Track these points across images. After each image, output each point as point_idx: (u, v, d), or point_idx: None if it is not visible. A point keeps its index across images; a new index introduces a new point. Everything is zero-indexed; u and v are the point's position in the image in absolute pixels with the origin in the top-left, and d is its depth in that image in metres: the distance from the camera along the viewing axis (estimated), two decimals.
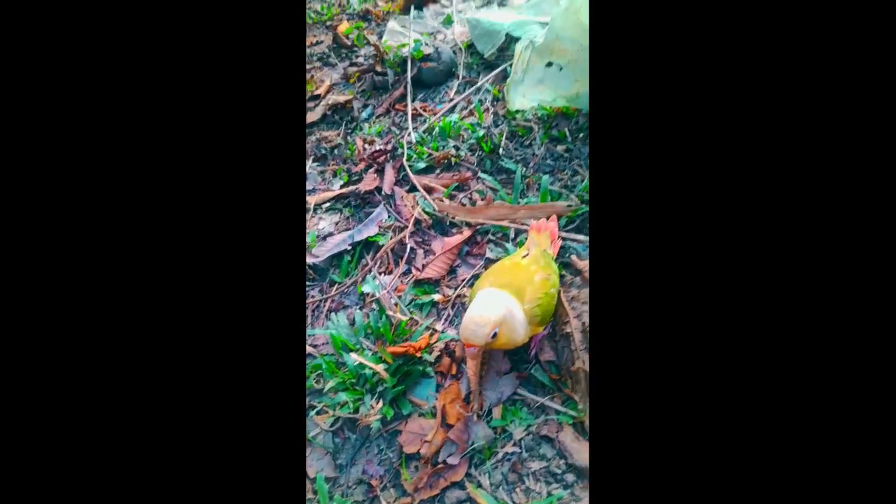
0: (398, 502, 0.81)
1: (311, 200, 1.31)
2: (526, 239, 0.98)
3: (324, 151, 1.46)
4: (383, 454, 0.88)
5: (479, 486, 0.80)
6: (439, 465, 0.82)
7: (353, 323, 1.04)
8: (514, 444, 0.83)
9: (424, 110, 1.43)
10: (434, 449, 0.84)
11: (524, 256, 0.88)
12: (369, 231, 1.17)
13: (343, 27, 1.88)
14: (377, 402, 0.89)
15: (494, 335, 0.74)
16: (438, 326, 0.98)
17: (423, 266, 1.08)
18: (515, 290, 0.79)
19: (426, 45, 1.56)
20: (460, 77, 1.49)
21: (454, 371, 0.92)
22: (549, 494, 0.77)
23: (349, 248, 1.16)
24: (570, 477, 0.78)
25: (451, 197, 1.19)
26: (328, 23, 1.99)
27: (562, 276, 0.94)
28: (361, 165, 1.33)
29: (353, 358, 0.93)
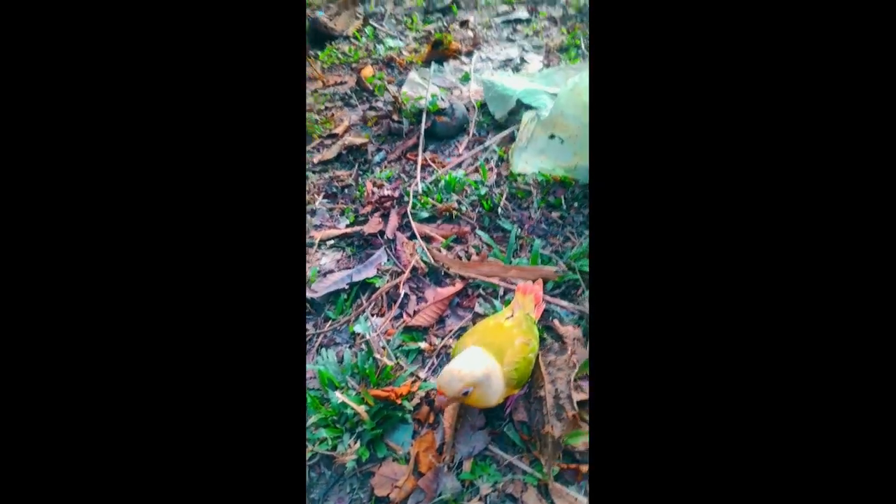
0: None
1: (317, 236, 1.38)
2: (513, 298, 1.03)
3: (335, 190, 1.53)
4: (354, 493, 0.92)
5: None
6: None
7: (341, 361, 1.08)
8: (480, 500, 0.86)
9: (434, 161, 1.51)
10: (403, 495, 0.88)
11: (508, 318, 0.94)
12: (368, 273, 1.23)
13: (367, 72, 1.99)
14: (355, 442, 0.93)
15: (466, 393, 0.79)
16: (422, 374, 1.03)
17: (415, 313, 1.13)
18: (497, 350, 0.84)
19: (442, 99, 1.66)
20: (470, 134, 1.58)
21: (431, 420, 0.97)
22: None
23: (346, 287, 1.22)
24: None
25: (449, 248, 1.25)
26: (354, 65, 2.11)
27: (542, 340, 1.00)
28: (368, 208, 1.40)
29: (338, 396, 0.97)
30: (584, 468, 0.85)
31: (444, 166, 1.48)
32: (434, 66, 1.91)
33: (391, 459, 0.93)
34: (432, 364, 1.05)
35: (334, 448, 0.93)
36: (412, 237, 1.30)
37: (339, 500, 0.91)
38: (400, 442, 0.95)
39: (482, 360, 0.82)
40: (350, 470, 0.93)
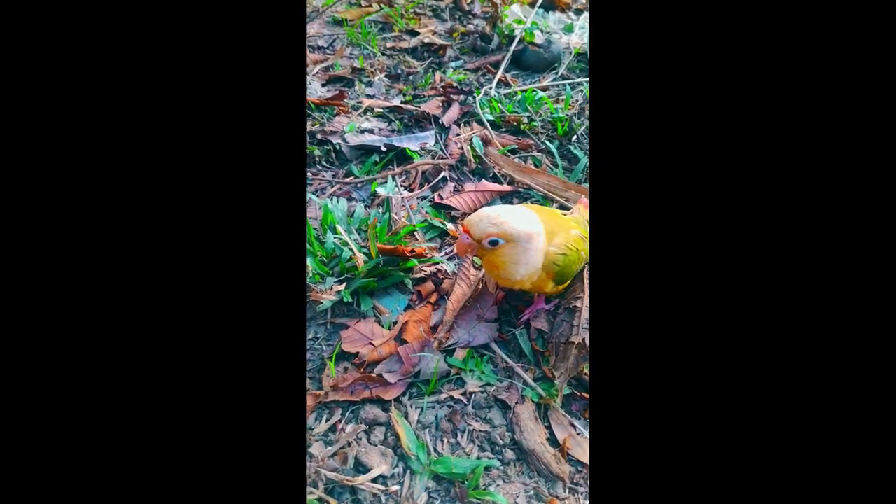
0: (308, 393, 0.68)
1: (367, 103, 1.23)
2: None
3: (399, 72, 1.39)
4: (315, 343, 0.75)
5: (405, 416, 0.66)
6: (372, 375, 0.69)
7: (351, 215, 0.92)
8: (463, 395, 0.69)
9: (513, 82, 1.37)
10: (375, 357, 0.71)
11: (565, 214, 0.78)
12: (410, 144, 1.08)
13: None
14: (340, 285, 0.77)
15: (494, 243, 0.63)
16: (437, 255, 0.86)
17: (449, 196, 0.98)
18: (549, 229, 0.68)
19: (541, 32, 1.52)
20: (559, 72, 1.43)
21: (433, 300, 0.80)
22: (478, 459, 0.63)
23: (383, 150, 1.06)
24: (509, 453, 0.64)
25: (505, 156, 1.10)
26: None
27: None
28: (430, 93, 1.26)
29: (340, 231, 0.81)
30: None
31: (524, 89, 1.34)
32: (539, 9, 1.78)
33: (373, 319, 0.77)
34: (452, 252, 0.88)
35: (313, 281, 0.77)
36: (468, 126, 1.15)
37: None
38: (390, 308, 0.78)
39: (529, 218, 0.65)
40: (321, 311, 0.76)
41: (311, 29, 1.65)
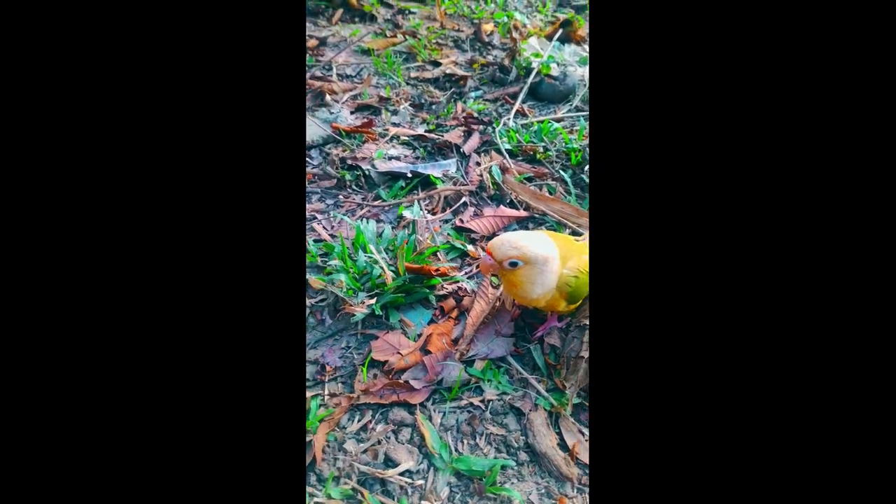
0: (341, 395, 0.75)
1: (393, 131, 1.33)
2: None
3: (423, 102, 1.49)
4: (348, 351, 0.83)
5: (430, 419, 0.74)
6: (399, 382, 0.76)
7: (380, 235, 1.01)
8: (482, 402, 0.76)
9: (529, 113, 1.46)
10: (403, 365, 0.79)
11: (578, 239, 0.85)
12: (433, 171, 1.16)
13: (488, 27, 1.97)
14: (371, 300, 0.85)
15: (514, 265, 0.71)
16: (458, 274, 0.94)
17: (469, 220, 1.06)
18: (563, 252, 0.76)
19: (557, 65, 1.61)
20: (574, 104, 1.52)
21: (454, 315, 0.88)
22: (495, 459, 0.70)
23: (409, 176, 1.15)
24: (523, 455, 0.71)
25: (522, 183, 1.18)
26: (475, 20, 2.09)
27: None
28: (452, 123, 1.35)
29: (371, 250, 0.89)
30: None
31: (541, 120, 1.43)
32: (556, 42, 1.88)
33: (399, 331, 0.84)
34: (472, 271, 0.96)
35: (348, 295, 0.85)
36: (487, 154, 1.23)
37: (330, 351, 0.82)
38: (415, 322, 0.86)
39: (546, 243, 0.73)
40: (353, 323, 0.84)
41: (340, 58, 1.76)
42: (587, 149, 1.26)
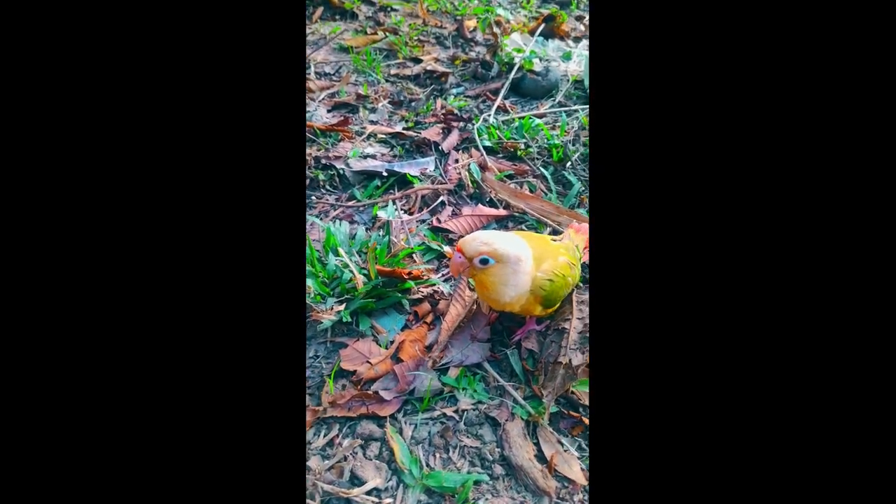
0: (307, 408, 0.71)
1: (371, 128, 1.28)
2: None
3: (402, 99, 1.45)
4: (315, 361, 0.78)
5: (400, 432, 0.70)
6: (368, 393, 0.72)
7: (353, 237, 0.97)
8: (455, 412, 0.72)
9: (511, 109, 1.42)
10: (373, 375, 0.74)
11: (555, 239, 0.82)
12: (411, 170, 1.12)
13: (470, 24, 1.93)
14: (340, 306, 0.81)
15: (485, 262, 0.67)
16: (434, 277, 0.90)
17: (447, 219, 1.02)
18: (537, 254, 0.72)
19: (540, 60, 1.58)
20: (557, 99, 1.49)
21: (429, 320, 0.84)
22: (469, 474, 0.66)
23: (384, 175, 1.11)
24: (498, 468, 0.67)
25: (502, 181, 1.14)
26: (458, 17, 2.06)
27: (584, 280, 0.87)
28: (431, 120, 1.31)
29: (341, 254, 0.85)
30: (586, 421, 0.71)
31: (521, 116, 1.39)
32: (539, 38, 1.84)
33: (371, 339, 0.80)
34: (447, 275, 0.92)
35: (315, 302, 0.81)
36: (466, 152, 1.20)
37: None
38: (387, 328, 0.82)
39: (517, 244, 0.69)
40: (321, 330, 0.80)
41: (318, 56, 1.72)
42: (568, 145, 1.22)
